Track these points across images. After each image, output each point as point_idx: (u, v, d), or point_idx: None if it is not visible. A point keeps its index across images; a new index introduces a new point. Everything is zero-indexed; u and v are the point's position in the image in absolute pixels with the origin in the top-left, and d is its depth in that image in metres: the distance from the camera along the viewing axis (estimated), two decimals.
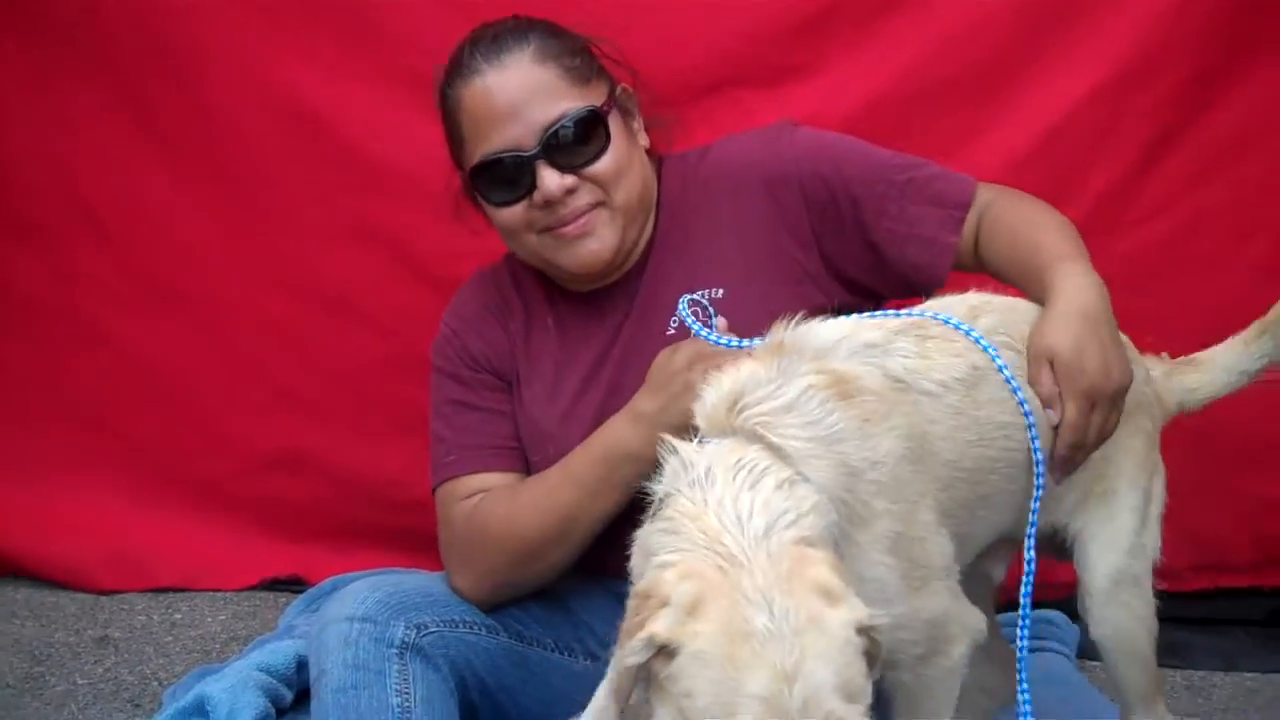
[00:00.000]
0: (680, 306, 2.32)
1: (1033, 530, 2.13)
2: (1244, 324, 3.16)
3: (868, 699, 1.66)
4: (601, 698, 2.08)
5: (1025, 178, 3.47)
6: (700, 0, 3.53)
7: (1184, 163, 3.56)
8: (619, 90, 2.55)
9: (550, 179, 2.39)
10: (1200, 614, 3.68)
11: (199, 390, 3.99)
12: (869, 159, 2.49)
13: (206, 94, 3.79)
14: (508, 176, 2.43)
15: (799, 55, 3.60)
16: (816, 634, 1.65)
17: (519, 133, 2.40)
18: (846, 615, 1.66)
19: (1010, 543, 2.30)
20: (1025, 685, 2.09)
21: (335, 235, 3.83)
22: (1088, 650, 3.49)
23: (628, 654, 1.70)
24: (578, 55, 2.49)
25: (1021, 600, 2.10)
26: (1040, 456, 2.12)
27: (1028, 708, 2.06)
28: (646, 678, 1.71)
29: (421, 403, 2.73)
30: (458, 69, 2.49)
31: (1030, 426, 2.11)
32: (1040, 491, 2.13)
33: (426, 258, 3.73)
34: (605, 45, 2.59)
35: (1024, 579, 2.10)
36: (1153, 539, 2.41)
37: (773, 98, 3.55)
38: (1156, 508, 2.44)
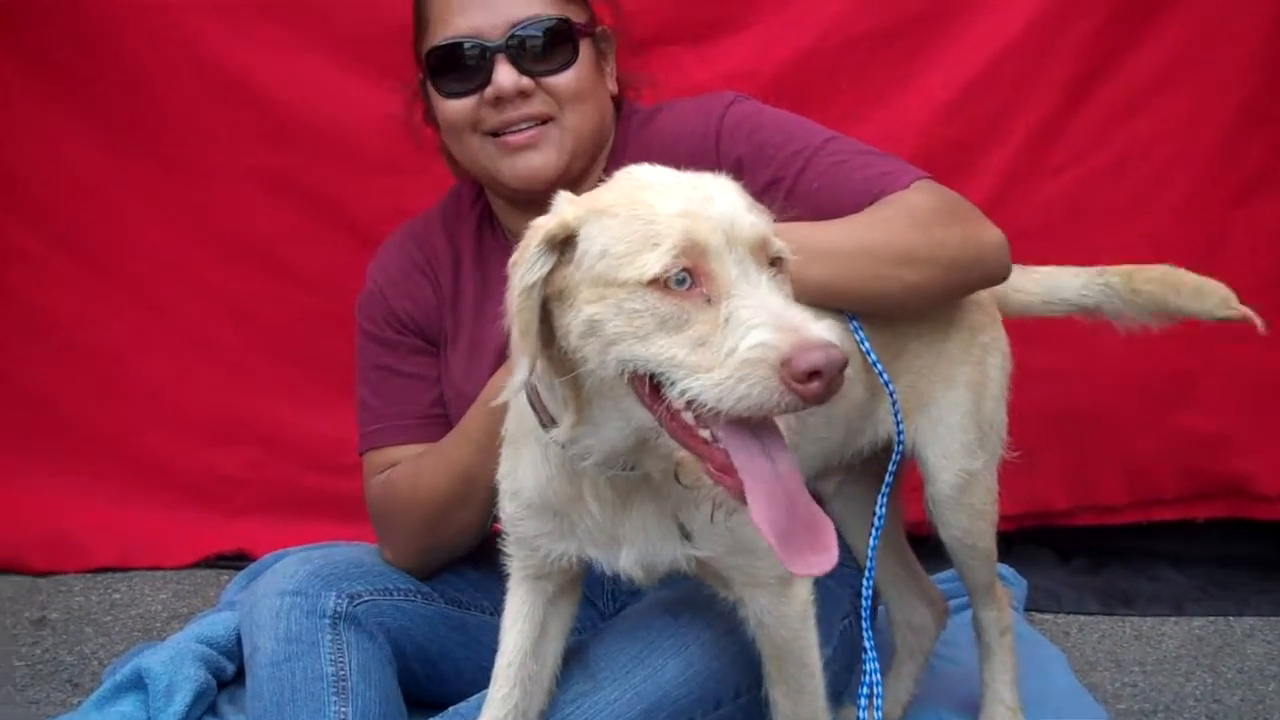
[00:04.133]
0: None
1: (885, 491, 2.14)
2: (1165, 260, 3.18)
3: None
4: (512, 598, 2.07)
5: (952, 124, 3.60)
6: None
7: (1105, 104, 3.63)
8: (599, 28, 2.47)
9: (506, 74, 2.31)
10: (1138, 551, 3.80)
11: (132, 363, 3.94)
12: (792, 138, 2.34)
13: (130, 60, 3.72)
14: (464, 65, 2.34)
15: (728, 9, 3.60)
16: (717, 181, 1.67)
17: (486, 22, 2.32)
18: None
19: (836, 466, 2.36)
20: (872, 651, 2.08)
21: (265, 196, 3.79)
22: (1035, 603, 3.53)
23: (521, 274, 1.64)
24: None
25: (869, 553, 2.11)
26: (901, 427, 2.16)
27: (877, 677, 2.05)
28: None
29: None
30: None
31: (893, 402, 2.14)
32: (897, 461, 2.17)
33: (358, 215, 3.70)
34: None
35: (871, 535, 2.11)
36: (994, 425, 2.44)
37: (703, 53, 3.56)
38: (995, 388, 2.45)
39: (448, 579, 2.50)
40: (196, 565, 3.86)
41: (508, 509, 1.98)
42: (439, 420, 2.49)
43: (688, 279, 1.53)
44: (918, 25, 3.58)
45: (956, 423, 2.37)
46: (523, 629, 2.06)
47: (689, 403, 1.50)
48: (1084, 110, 3.62)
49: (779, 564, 1.89)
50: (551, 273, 1.64)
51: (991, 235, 2.25)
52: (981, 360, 2.42)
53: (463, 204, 2.61)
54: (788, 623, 1.97)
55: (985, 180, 3.60)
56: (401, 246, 2.62)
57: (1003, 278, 2.32)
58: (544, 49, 2.33)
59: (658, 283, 1.53)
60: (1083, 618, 3.57)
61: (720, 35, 3.59)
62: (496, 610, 2.47)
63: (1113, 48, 3.58)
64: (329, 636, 2.25)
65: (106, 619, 3.55)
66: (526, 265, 1.64)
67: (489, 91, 2.32)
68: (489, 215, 2.57)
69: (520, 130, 2.34)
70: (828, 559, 1.55)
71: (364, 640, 2.28)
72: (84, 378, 3.96)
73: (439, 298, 2.54)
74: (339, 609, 2.28)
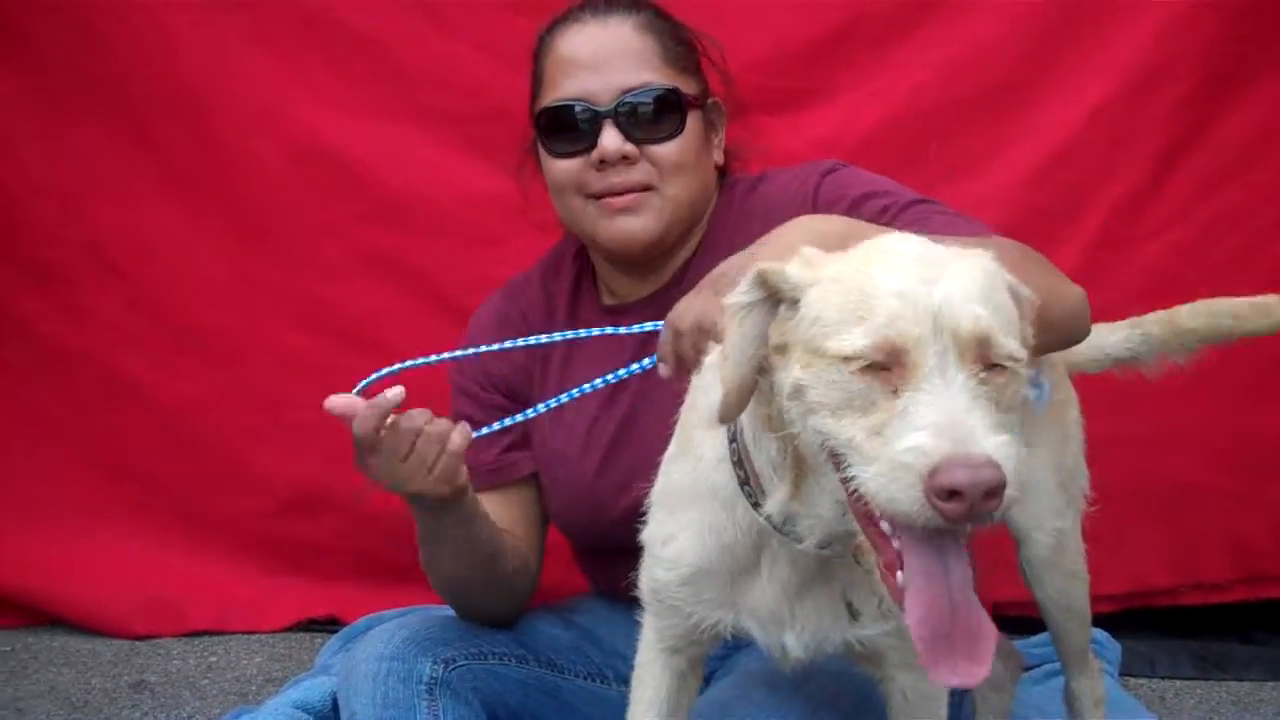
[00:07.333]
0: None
1: None
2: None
3: (1017, 334, 1.52)
4: (644, 677, 2.02)
5: (1040, 193, 3.55)
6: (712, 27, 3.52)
7: (1197, 171, 3.56)
8: (710, 101, 2.54)
9: (611, 139, 2.37)
10: (1242, 626, 3.68)
11: (221, 430, 3.98)
12: (882, 196, 2.32)
13: (218, 130, 3.79)
14: (572, 126, 2.40)
15: (812, 80, 3.60)
16: (963, 258, 1.56)
17: (596, 86, 2.38)
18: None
19: None
20: None
21: (350, 268, 3.82)
22: (1129, 668, 3.47)
23: (734, 295, 1.59)
24: (682, 44, 2.48)
25: None
26: None
27: None
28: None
29: None
30: (563, 16, 2.48)
31: None
32: None
33: (446, 288, 3.72)
34: (713, 49, 2.58)
35: None
36: (1076, 481, 2.43)
37: (789, 123, 3.53)
38: (1074, 444, 2.45)
39: (542, 641, 2.53)
40: (290, 630, 3.91)
41: (661, 577, 1.89)
42: (505, 469, 2.57)
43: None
44: (1005, 93, 3.54)
45: (1043, 482, 2.35)
46: (658, 715, 2.00)
47: (854, 491, 1.45)
48: (1174, 179, 3.55)
49: None
50: (776, 327, 1.59)
51: (1075, 290, 2.17)
52: (1060, 416, 2.41)
53: (564, 260, 2.67)
54: (929, 704, 1.94)
55: (1073, 247, 3.53)
56: (500, 298, 2.68)
57: (1082, 336, 2.24)
58: (652, 117, 2.39)
59: (854, 359, 1.46)
60: (1178, 682, 3.49)
61: (806, 105, 3.58)
62: (591, 674, 2.52)
63: (1203, 116, 3.52)
64: (425, 703, 2.27)
65: (203, 682, 3.59)
66: (739, 292, 1.61)
67: (595, 155, 2.38)
68: (589, 272, 2.63)
69: (621, 194, 2.40)
70: (979, 671, 1.45)
71: (459, 706, 2.30)
72: (164, 440, 4.00)
73: (529, 351, 2.57)
74: (434, 675, 2.30)
